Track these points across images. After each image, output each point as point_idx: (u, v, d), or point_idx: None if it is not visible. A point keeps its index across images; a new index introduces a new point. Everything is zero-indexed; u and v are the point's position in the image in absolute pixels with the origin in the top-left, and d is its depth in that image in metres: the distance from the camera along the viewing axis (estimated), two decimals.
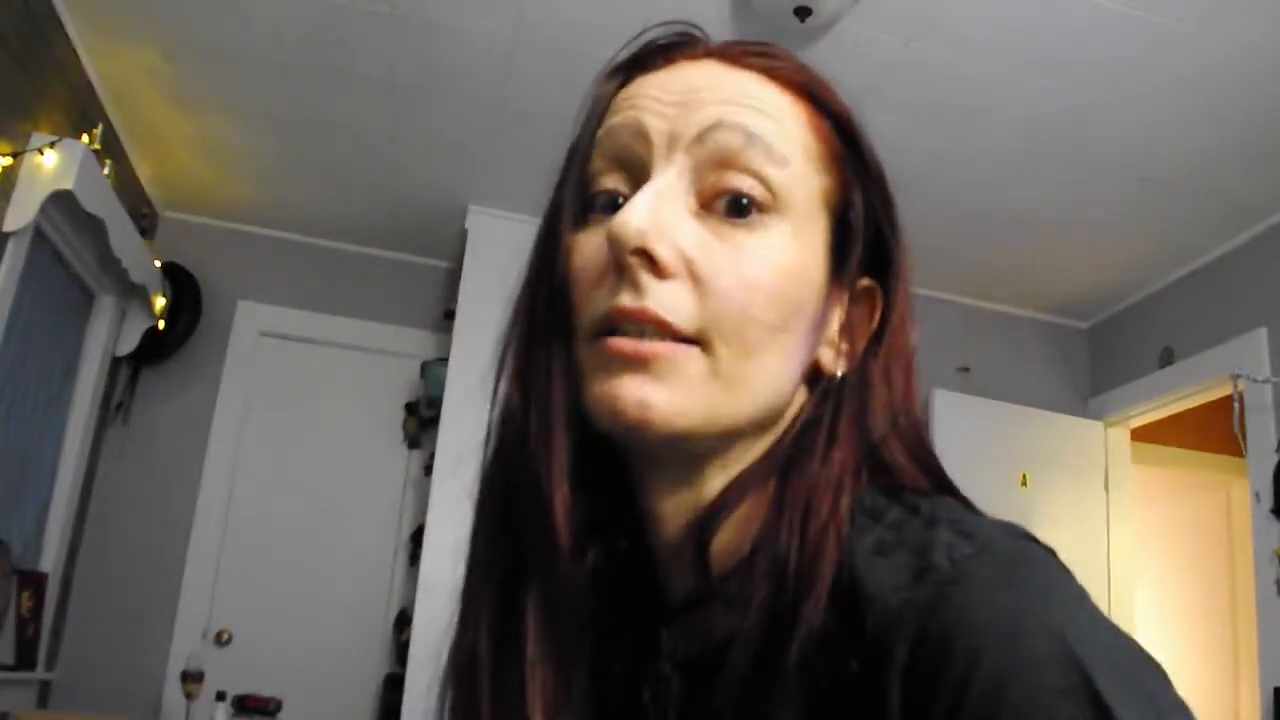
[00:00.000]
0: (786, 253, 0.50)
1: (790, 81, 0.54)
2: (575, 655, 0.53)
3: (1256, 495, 3.01)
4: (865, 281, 0.55)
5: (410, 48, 2.72)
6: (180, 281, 3.62)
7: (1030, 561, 0.43)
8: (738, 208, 0.50)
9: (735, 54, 0.54)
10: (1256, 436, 3.05)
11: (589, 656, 0.55)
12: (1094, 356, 4.05)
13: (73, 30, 2.74)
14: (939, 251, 3.67)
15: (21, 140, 2.54)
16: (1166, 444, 4.22)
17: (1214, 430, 3.73)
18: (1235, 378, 3.09)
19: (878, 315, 0.55)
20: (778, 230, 0.50)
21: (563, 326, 0.52)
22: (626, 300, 0.48)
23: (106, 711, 3.15)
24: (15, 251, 2.57)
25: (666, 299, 0.48)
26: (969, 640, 0.39)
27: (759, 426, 0.51)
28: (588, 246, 0.51)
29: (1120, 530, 3.73)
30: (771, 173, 0.50)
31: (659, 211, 0.48)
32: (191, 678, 2.98)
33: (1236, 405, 3.08)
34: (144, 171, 3.51)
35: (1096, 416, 3.87)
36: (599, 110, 0.55)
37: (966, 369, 3.86)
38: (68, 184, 2.57)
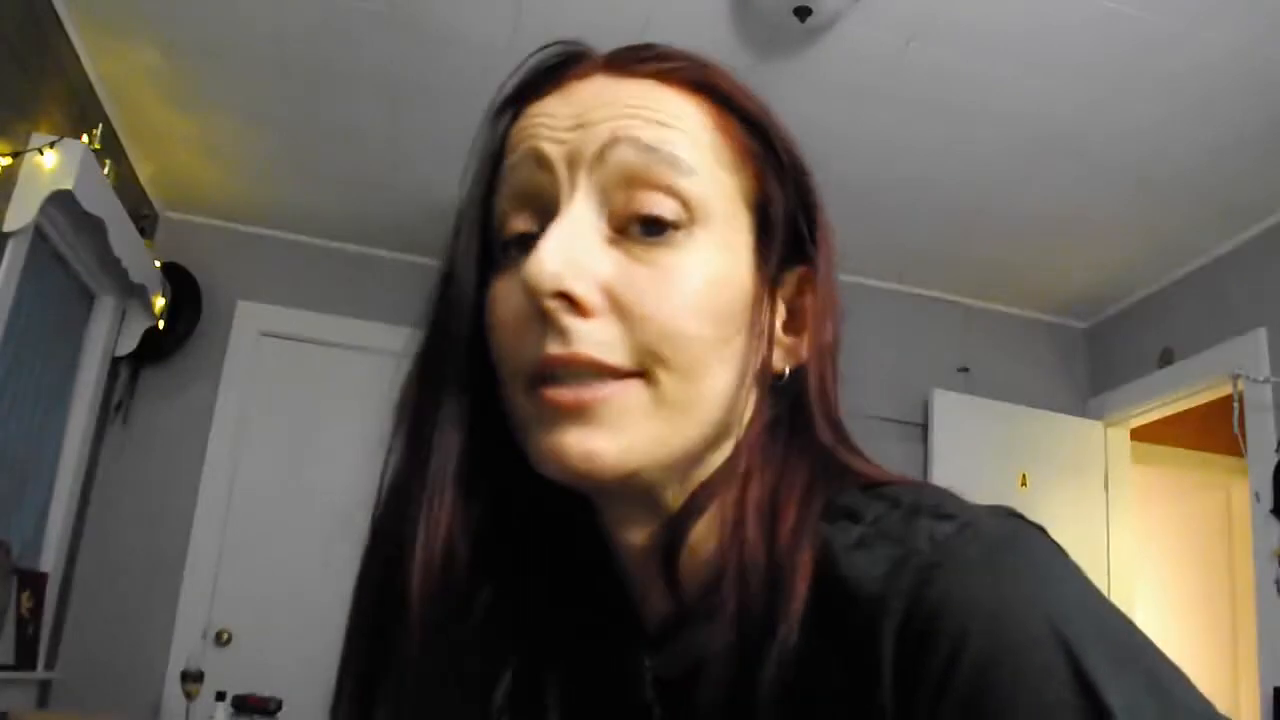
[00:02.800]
0: (710, 264, 0.48)
1: (687, 82, 0.51)
2: None
3: (1256, 495, 3.01)
4: (804, 270, 0.54)
5: (410, 48, 2.72)
6: (180, 281, 3.62)
7: (1015, 539, 0.41)
8: (653, 228, 0.47)
9: (625, 62, 0.52)
10: (1256, 436, 3.06)
11: (568, 693, 0.54)
12: (1093, 356, 4.05)
13: (73, 30, 2.74)
14: (939, 251, 3.67)
15: (21, 140, 2.54)
16: (1166, 444, 4.23)
17: (1214, 430, 3.73)
18: (1235, 378, 3.09)
19: (812, 304, 0.54)
20: (698, 242, 0.48)
21: (464, 383, 0.51)
22: (554, 348, 0.46)
23: (106, 711, 3.15)
24: (15, 251, 2.57)
25: (596, 338, 0.46)
26: (953, 623, 0.38)
27: (715, 441, 0.50)
28: (509, 294, 0.49)
29: (1120, 530, 3.73)
30: (682, 184, 0.48)
31: (572, 248, 0.46)
32: (191, 678, 2.98)
33: (1236, 405, 3.08)
34: (144, 171, 3.51)
35: (1096, 416, 3.87)
36: (492, 150, 0.53)
37: (966, 369, 3.85)
38: (68, 184, 2.57)
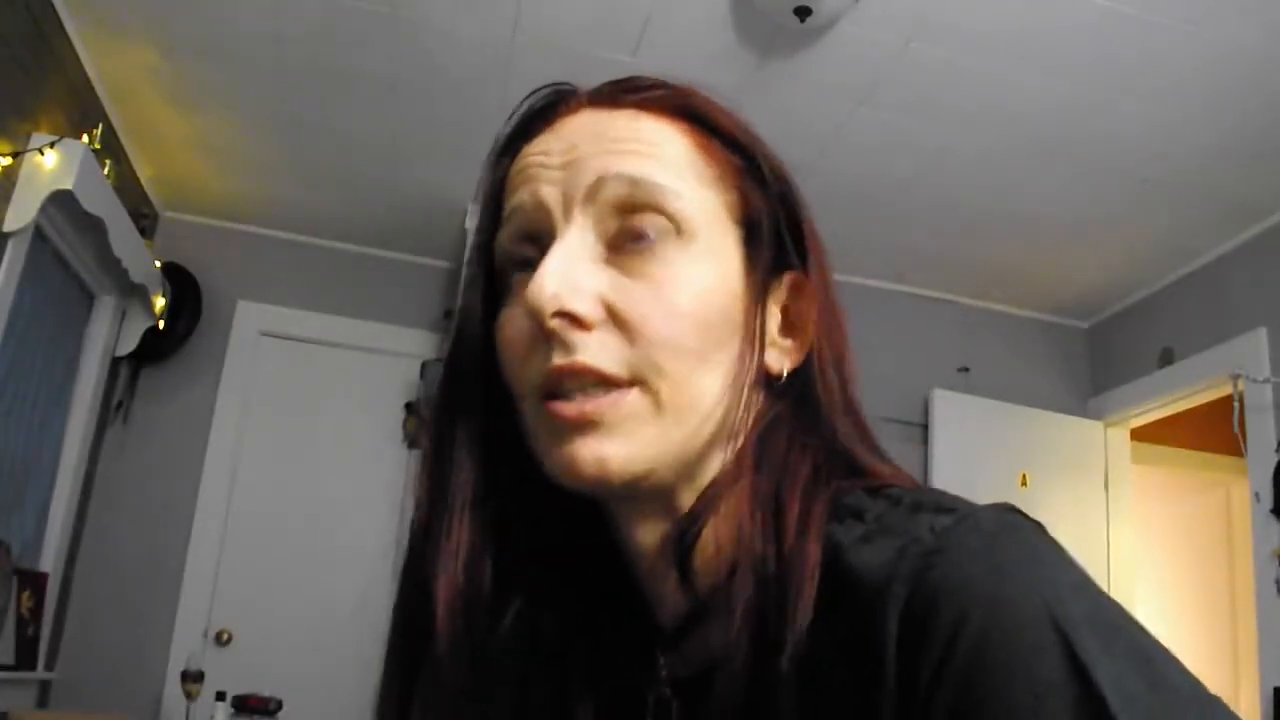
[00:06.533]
0: (699, 275, 0.51)
1: (667, 109, 0.55)
2: None
3: (1256, 495, 3.01)
4: (795, 276, 0.57)
5: (410, 48, 2.72)
6: (180, 281, 3.62)
7: (1013, 529, 0.44)
8: (643, 240, 0.51)
9: (608, 96, 0.55)
10: (1256, 436, 3.05)
11: (585, 689, 0.56)
12: (1094, 356, 4.05)
13: (73, 30, 2.74)
14: (939, 251, 3.67)
15: (21, 140, 2.54)
16: (1166, 444, 4.22)
17: (1214, 430, 3.73)
18: (1235, 378, 3.09)
19: (810, 307, 0.57)
20: (686, 255, 0.51)
21: (476, 409, 0.55)
22: (559, 359, 0.49)
23: (106, 711, 3.15)
24: (15, 251, 2.57)
25: (595, 348, 0.49)
26: (953, 605, 0.40)
27: (717, 441, 0.52)
28: (514, 318, 0.53)
29: (1120, 530, 3.73)
30: (668, 206, 0.51)
31: (568, 269, 0.49)
32: (191, 678, 2.98)
33: (1236, 405, 3.08)
34: (144, 171, 3.51)
35: (1096, 416, 3.87)
36: (495, 192, 0.57)
37: (966, 369, 3.85)
38: (68, 184, 2.57)
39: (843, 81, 2.69)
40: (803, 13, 2.32)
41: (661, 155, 0.53)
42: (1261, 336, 3.11)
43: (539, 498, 0.54)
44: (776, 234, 0.56)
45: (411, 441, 3.82)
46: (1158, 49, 2.45)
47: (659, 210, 0.51)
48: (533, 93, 0.58)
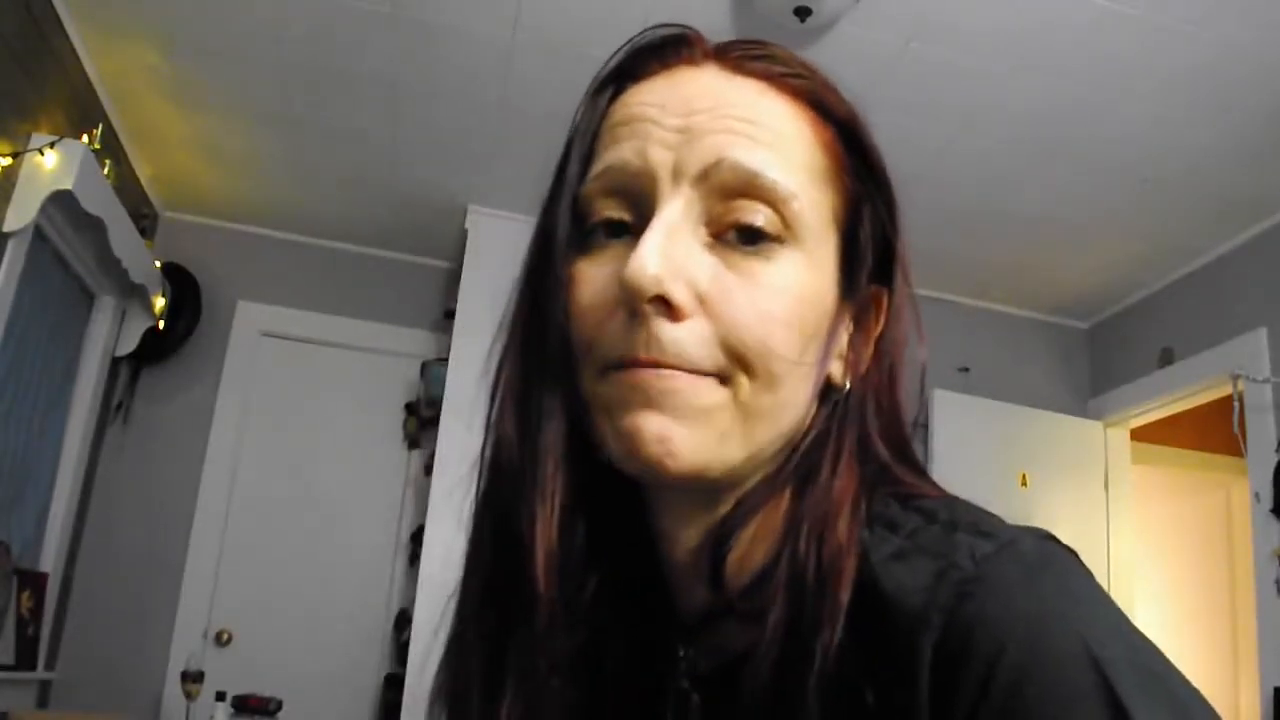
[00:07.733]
0: (801, 282, 0.49)
1: (793, 90, 0.52)
2: (554, 697, 0.52)
3: (1256, 495, 3.01)
4: (875, 290, 0.55)
5: (410, 48, 2.72)
6: (180, 281, 3.62)
7: (1052, 561, 0.43)
8: (750, 239, 0.48)
9: (735, 59, 0.52)
10: (1256, 436, 3.06)
11: (610, 673, 0.55)
12: (1094, 356, 4.05)
13: (73, 30, 2.74)
14: (939, 251, 3.67)
15: (21, 140, 2.54)
16: (1166, 444, 4.22)
17: (1214, 430, 3.73)
18: (1235, 378, 3.09)
19: (881, 322, 0.55)
20: (791, 259, 0.49)
21: (564, 359, 0.50)
22: (641, 351, 0.46)
23: (106, 711, 3.15)
24: (15, 251, 2.57)
25: (683, 339, 0.46)
26: (991, 639, 0.40)
27: (777, 449, 0.51)
28: (595, 278, 0.49)
29: (1120, 530, 3.73)
30: (784, 207, 0.49)
31: (671, 250, 0.46)
32: (191, 678, 2.98)
33: (1236, 405, 3.08)
34: (144, 171, 3.51)
35: (1096, 416, 3.87)
36: (591, 127, 0.53)
37: (966, 369, 3.85)
38: (68, 184, 2.57)
39: (843, 81, 2.68)
40: (803, 13, 2.32)
41: (784, 147, 0.50)
42: (1261, 336, 3.11)
43: (592, 467, 0.51)
44: (875, 248, 0.53)
45: (412, 441, 3.82)
46: (1158, 49, 2.45)
47: (774, 209, 0.48)
48: (653, 27, 0.53)
